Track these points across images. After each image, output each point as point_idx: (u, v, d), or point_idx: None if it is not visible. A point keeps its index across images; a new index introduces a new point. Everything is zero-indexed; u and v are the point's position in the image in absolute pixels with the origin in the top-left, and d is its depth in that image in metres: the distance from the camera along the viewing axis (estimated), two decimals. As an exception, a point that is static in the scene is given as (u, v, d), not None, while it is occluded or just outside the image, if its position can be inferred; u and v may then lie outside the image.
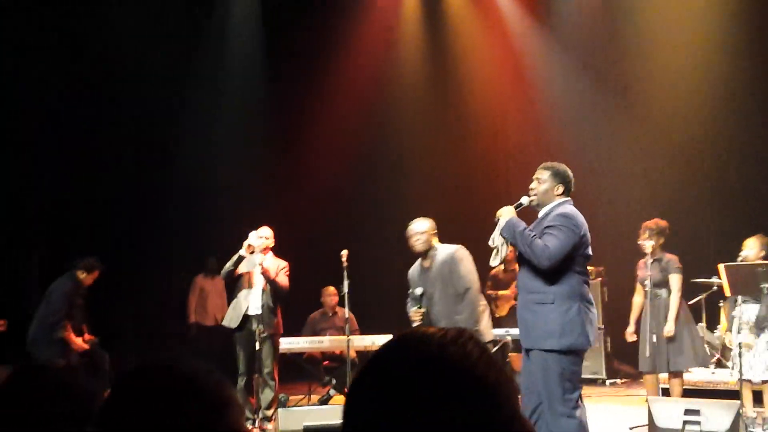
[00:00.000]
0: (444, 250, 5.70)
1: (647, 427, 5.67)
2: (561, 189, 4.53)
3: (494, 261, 4.64)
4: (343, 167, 10.92)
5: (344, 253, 6.83)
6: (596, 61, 10.71)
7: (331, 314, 8.49)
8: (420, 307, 5.65)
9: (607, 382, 9.13)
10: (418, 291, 5.68)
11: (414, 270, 5.92)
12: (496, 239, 4.56)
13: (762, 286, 5.77)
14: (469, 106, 11.44)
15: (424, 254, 5.77)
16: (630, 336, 6.77)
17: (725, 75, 9.81)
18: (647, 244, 6.52)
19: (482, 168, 11.25)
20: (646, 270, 6.53)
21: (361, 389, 0.99)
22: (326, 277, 8.27)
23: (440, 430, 0.91)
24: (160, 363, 1.22)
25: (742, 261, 6.34)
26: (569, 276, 4.35)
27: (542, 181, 4.55)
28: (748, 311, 6.33)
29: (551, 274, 4.34)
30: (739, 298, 6.31)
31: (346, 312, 7.01)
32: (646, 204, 9.57)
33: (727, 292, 6.25)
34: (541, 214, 4.56)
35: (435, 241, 5.80)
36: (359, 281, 8.03)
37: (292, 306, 7.93)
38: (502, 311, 8.63)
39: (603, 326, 9.10)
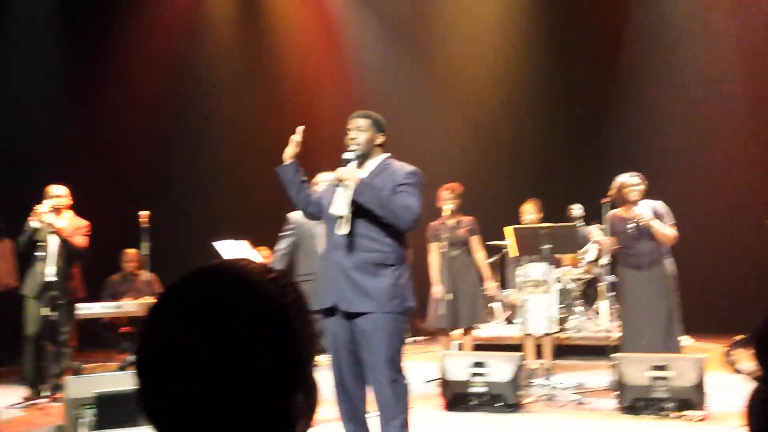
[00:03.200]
0: None
1: (441, 380, 5.99)
2: (382, 139, 4.15)
3: (344, 230, 3.96)
4: (147, 128, 10.51)
5: (144, 214, 6.59)
6: (403, 25, 11.03)
7: (131, 277, 8.20)
8: None
9: (408, 339, 9.53)
10: None
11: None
12: (343, 207, 3.93)
13: (543, 247, 6.22)
14: (281, 70, 11.35)
15: None
16: (440, 294, 6.92)
17: (523, 49, 10.46)
18: (448, 206, 6.80)
19: (293, 124, 11.20)
20: (443, 231, 6.82)
21: (163, 312, 0.93)
22: (128, 239, 7.96)
23: (235, 362, 0.88)
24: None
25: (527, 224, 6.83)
26: (403, 238, 4.11)
27: (363, 128, 4.09)
28: (532, 270, 6.84)
29: (393, 234, 4.01)
30: (525, 257, 6.80)
31: (145, 273, 6.78)
32: (446, 169, 10.01)
33: (513, 253, 6.70)
34: (369, 169, 4.08)
35: None
36: (164, 243, 7.80)
37: (92, 270, 7.55)
38: None
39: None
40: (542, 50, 10.34)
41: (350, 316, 3.98)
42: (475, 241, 6.98)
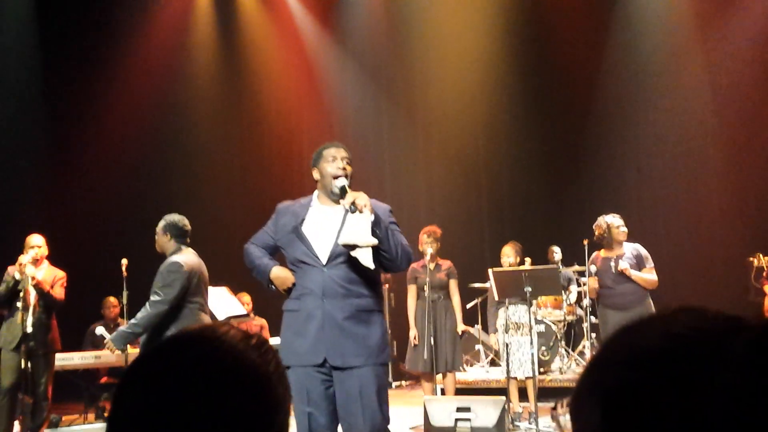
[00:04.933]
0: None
1: (425, 426, 5.94)
2: None
3: (372, 263, 3.46)
4: (126, 171, 10.44)
5: (124, 262, 6.56)
6: (383, 71, 11.19)
7: (112, 326, 8.10)
8: None
9: (393, 384, 9.46)
10: None
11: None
12: (365, 236, 3.41)
13: (525, 289, 6.24)
14: (262, 109, 11.42)
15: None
16: (415, 338, 6.97)
17: (501, 93, 10.61)
18: (428, 249, 6.82)
19: (276, 171, 11.26)
20: (424, 274, 6.83)
21: (137, 381, 0.87)
22: (108, 287, 7.90)
23: None
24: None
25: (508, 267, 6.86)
26: (381, 281, 3.75)
27: (350, 161, 3.69)
28: (514, 312, 6.85)
29: (376, 277, 3.61)
30: (507, 300, 6.81)
31: (125, 323, 6.71)
32: (427, 211, 10.09)
33: (496, 296, 6.72)
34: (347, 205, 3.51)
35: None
36: (144, 291, 7.71)
37: (72, 319, 7.47)
38: None
39: (389, 331, 9.43)
40: (520, 95, 10.52)
41: (337, 370, 3.50)
42: (453, 285, 7.00)
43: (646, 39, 10.14)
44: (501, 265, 6.97)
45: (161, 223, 5.48)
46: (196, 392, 0.84)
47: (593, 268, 6.42)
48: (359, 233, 3.41)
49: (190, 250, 5.46)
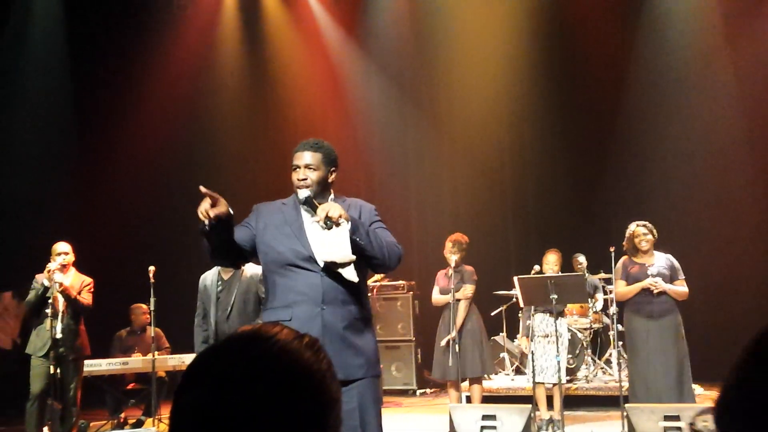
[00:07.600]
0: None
1: (450, 434, 5.93)
2: (334, 176, 3.47)
3: (356, 276, 3.25)
4: (153, 179, 10.56)
5: (151, 269, 6.62)
6: (407, 77, 11.22)
7: (140, 332, 8.17)
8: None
9: (418, 392, 9.45)
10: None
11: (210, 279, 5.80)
12: (343, 252, 3.19)
13: (552, 297, 6.20)
14: (288, 118, 11.48)
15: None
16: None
17: (527, 99, 10.57)
18: (453, 257, 6.80)
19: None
20: (448, 281, 6.81)
21: (195, 380, 0.91)
22: (135, 294, 7.97)
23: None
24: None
25: (535, 274, 6.83)
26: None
27: (314, 167, 3.37)
28: (541, 320, 6.81)
29: (364, 284, 3.39)
30: (533, 308, 6.78)
31: (152, 329, 6.78)
32: (452, 218, 10.07)
33: (522, 303, 6.69)
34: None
35: None
36: (173, 298, 7.82)
37: (99, 325, 7.56)
38: None
39: (414, 338, 9.44)
40: (546, 101, 10.46)
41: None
42: (468, 289, 6.84)
43: (674, 42, 10.04)
44: (541, 272, 6.93)
45: None
46: (253, 391, 0.86)
47: (653, 269, 6.28)
48: (338, 249, 3.19)
49: None
